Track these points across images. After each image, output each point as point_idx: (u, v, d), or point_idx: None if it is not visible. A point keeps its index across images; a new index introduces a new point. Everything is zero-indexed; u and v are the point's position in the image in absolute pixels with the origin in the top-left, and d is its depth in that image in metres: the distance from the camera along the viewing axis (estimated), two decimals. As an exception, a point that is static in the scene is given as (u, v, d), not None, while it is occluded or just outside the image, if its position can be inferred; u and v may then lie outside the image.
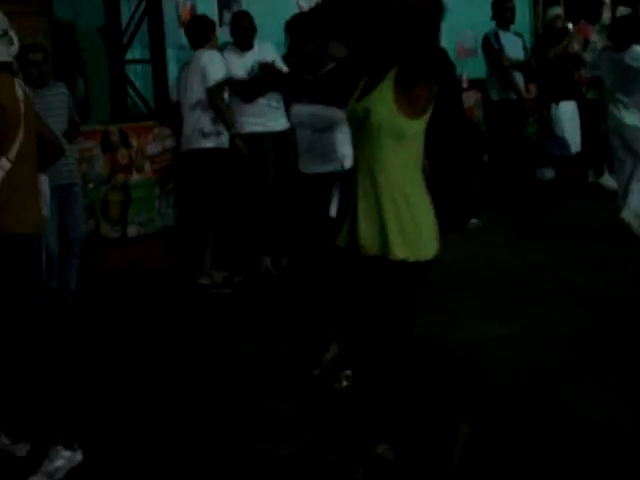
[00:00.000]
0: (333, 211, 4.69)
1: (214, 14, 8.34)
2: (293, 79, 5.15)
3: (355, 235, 3.69)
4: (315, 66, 4.90)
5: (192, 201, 7.61)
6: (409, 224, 3.59)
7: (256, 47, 7.73)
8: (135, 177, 7.68)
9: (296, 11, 8.86)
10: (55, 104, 6.51)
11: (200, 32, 7.41)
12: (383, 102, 3.55)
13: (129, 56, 8.47)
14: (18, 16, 8.45)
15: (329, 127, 4.85)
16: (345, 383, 4.83)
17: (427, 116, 3.60)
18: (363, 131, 3.63)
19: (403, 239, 3.58)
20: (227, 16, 8.71)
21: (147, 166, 7.74)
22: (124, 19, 8.34)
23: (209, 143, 7.37)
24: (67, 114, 6.60)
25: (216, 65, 7.34)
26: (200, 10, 8.33)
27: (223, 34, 8.18)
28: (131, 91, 8.44)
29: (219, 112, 7.33)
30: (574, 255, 7.59)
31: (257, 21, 7.79)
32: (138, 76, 8.54)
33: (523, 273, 7.15)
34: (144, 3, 8.24)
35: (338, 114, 4.58)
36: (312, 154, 4.96)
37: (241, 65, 7.64)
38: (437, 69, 3.66)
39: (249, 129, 7.55)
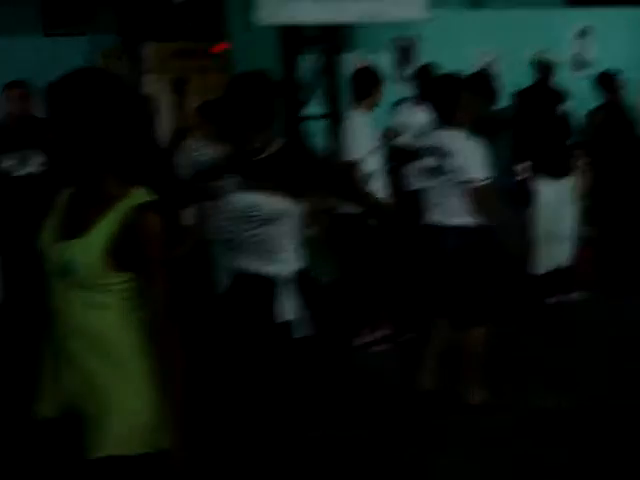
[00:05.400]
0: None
1: (391, 71, 8.37)
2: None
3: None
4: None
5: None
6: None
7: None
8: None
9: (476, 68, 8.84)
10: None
11: (362, 85, 7.11)
12: (89, 254, 2.81)
13: (306, 112, 8.60)
14: (201, 72, 8.79)
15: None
16: None
17: None
18: (66, 284, 2.86)
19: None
20: (404, 73, 8.78)
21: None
22: (302, 75, 8.49)
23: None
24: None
25: (359, 138, 6.99)
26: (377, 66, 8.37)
27: (400, 90, 8.21)
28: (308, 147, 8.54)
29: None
30: None
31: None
32: (315, 132, 8.64)
33: None
34: (322, 59, 8.37)
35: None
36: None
37: (419, 119, 7.58)
38: None
39: None
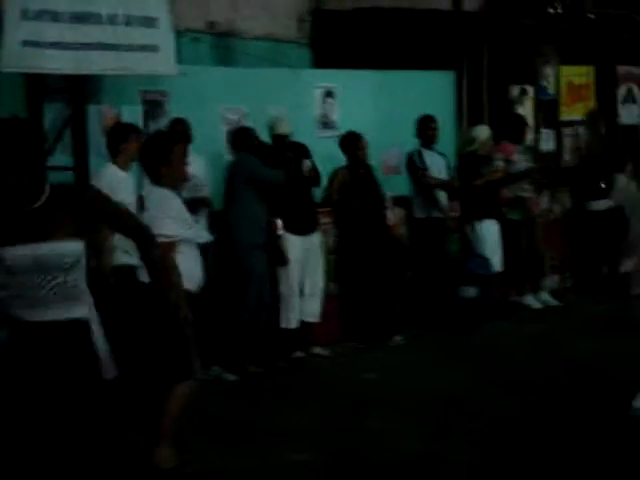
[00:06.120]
0: None
1: (139, 124, 8.28)
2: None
3: None
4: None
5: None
6: None
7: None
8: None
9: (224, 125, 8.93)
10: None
11: (114, 140, 7.21)
12: None
13: (50, 162, 8.34)
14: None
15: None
16: None
17: None
18: None
19: None
20: (153, 127, 8.69)
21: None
22: (47, 124, 8.25)
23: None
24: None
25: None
26: (125, 119, 8.27)
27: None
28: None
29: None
30: (494, 376, 7.55)
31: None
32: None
33: (443, 393, 7.08)
34: (68, 109, 8.18)
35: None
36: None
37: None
38: None
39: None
